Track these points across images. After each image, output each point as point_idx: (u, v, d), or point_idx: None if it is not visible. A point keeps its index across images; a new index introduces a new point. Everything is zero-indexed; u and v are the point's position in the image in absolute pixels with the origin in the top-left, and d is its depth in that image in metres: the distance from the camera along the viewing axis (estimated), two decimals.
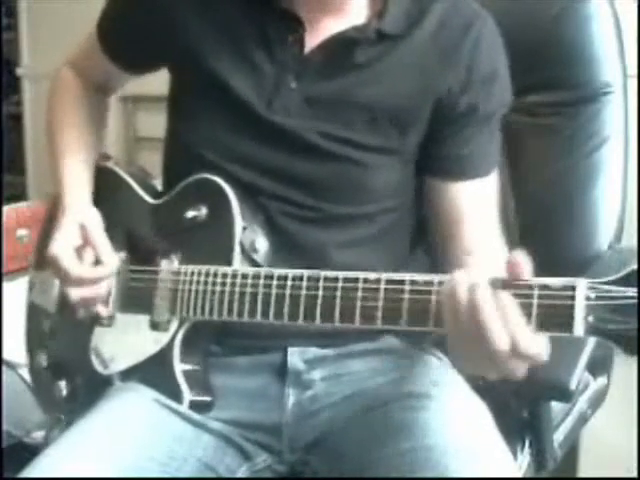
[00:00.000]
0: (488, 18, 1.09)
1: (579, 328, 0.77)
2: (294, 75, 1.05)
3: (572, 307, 0.77)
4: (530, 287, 0.79)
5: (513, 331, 0.78)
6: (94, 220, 1.12)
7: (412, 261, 1.15)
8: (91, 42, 1.22)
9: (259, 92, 1.06)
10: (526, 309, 0.79)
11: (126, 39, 1.17)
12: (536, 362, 0.79)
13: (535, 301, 0.79)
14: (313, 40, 1.05)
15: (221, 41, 1.07)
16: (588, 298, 0.77)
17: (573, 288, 0.77)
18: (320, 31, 1.05)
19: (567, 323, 0.77)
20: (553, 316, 0.78)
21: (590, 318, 0.76)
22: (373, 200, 1.08)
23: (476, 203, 1.10)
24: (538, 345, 0.79)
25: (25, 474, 0.94)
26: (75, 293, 1.08)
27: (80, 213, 1.12)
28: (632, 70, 1.40)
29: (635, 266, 0.75)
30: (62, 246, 1.08)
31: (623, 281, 0.76)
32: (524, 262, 0.79)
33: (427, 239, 1.16)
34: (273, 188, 1.06)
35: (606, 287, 0.76)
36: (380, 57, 1.05)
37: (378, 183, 1.07)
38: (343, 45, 1.04)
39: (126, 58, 1.20)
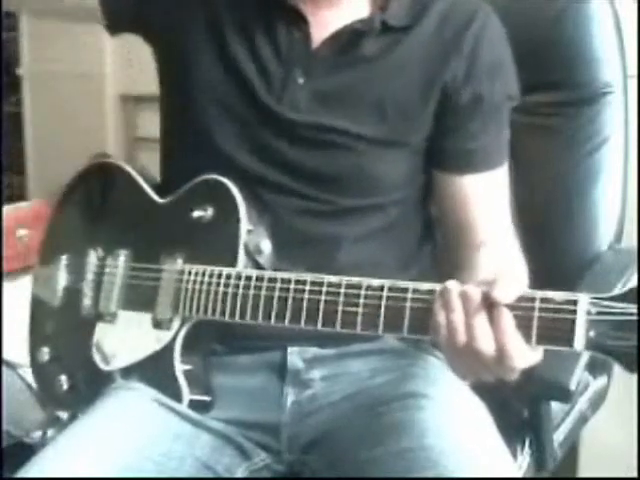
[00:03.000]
0: (490, 11, 1.10)
1: (579, 343, 0.77)
2: (302, 71, 1.06)
3: (573, 322, 0.77)
4: (532, 299, 0.79)
5: (503, 342, 0.79)
6: None
7: (421, 257, 1.15)
8: None
9: (268, 88, 1.06)
10: (526, 322, 0.79)
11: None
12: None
13: (536, 314, 0.79)
14: (319, 35, 1.06)
15: (227, 39, 1.08)
16: (589, 313, 0.76)
17: (575, 302, 0.77)
18: (325, 26, 1.06)
19: (568, 337, 0.77)
20: (554, 330, 0.78)
21: (591, 333, 0.76)
22: (383, 191, 1.08)
23: (486, 196, 1.10)
24: (529, 358, 0.80)
25: (23, 473, 0.94)
26: None
27: None
28: (632, 70, 1.40)
29: (637, 283, 0.75)
30: None
31: (625, 297, 0.76)
32: (510, 286, 0.80)
33: (435, 236, 1.17)
34: (283, 181, 1.06)
35: (607, 303, 0.76)
36: (386, 50, 1.06)
37: (387, 174, 1.08)
38: (349, 38, 1.05)
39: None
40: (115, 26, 1.19)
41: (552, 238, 1.35)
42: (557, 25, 1.35)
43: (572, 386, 1.06)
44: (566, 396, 1.09)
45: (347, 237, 1.07)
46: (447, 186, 1.11)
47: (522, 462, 1.15)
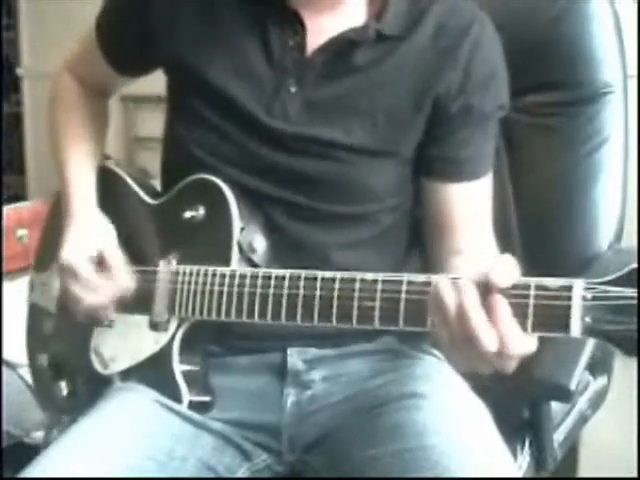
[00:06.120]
0: (486, 21, 1.09)
1: (576, 329, 0.76)
2: (294, 79, 1.05)
3: (569, 307, 0.76)
4: (526, 287, 0.79)
5: (502, 332, 0.78)
6: (112, 238, 1.12)
7: (408, 262, 1.15)
8: (88, 44, 1.22)
9: (258, 97, 1.05)
10: (522, 309, 0.78)
11: (122, 42, 1.17)
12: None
13: (531, 301, 0.78)
14: (313, 43, 1.05)
15: (219, 45, 1.07)
16: (585, 298, 0.76)
17: (570, 288, 0.77)
18: (320, 32, 1.05)
19: (564, 324, 0.77)
20: (549, 317, 0.77)
21: (587, 319, 0.76)
22: (372, 200, 1.08)
23: (470, 204, 1.10)
24: (526, 345, 0.79)
25: (25, 474, 0.94)
26: (90, 299, 1.08)
27: (94, 225, 1.13)
28: (632, 70, 1.40)
29: (634, 265, 0.74)
30: (79, 254, 1.09)
31: (621, 281, 0.75)
32: (508, 271, 0.79)
33: (421, 240, 1.17)
34: (272, 190, 1.06)
35: (603, 287, 0.76)
36: (380, 59, 1.05)
37: (377, 184, 1.07)
38: (343, 47, 1.04)
39: (121, 61, 1.20)
40: (124, 69, 1.22)
41: (552, 238, 1.35)
42: (557, 25, 1.35)
43: (572, 386, 1.06)
44: (566, 396, 1.09)
45: (338, 244, 1.07)
46: (432, 193, 1.10)
47: (522, 462, 1.16)
